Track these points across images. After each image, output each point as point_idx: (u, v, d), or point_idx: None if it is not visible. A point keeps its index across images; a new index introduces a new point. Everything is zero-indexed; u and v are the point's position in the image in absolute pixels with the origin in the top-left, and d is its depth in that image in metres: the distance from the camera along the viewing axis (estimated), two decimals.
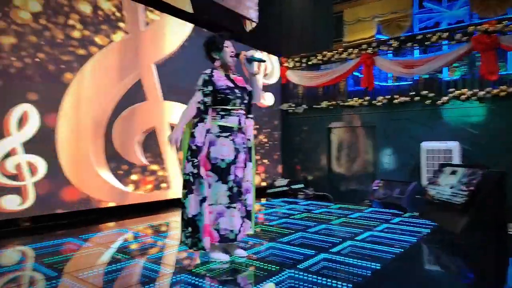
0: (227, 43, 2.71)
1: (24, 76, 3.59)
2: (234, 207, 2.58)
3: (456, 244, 3.30)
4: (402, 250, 2.91)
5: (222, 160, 2.58)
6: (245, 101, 2.75)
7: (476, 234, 3.37)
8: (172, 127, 5.00)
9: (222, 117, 2.63)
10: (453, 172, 4.07)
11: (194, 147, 2.53)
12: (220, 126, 2.61)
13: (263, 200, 5.79)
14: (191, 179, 2.52)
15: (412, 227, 3.74)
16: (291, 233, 3.48)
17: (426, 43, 5.92)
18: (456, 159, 5.00)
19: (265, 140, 6.86)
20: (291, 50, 7.55)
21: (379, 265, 2.53)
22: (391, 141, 5.98)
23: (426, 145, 5.34)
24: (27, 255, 2.80)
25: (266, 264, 2.55)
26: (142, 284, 2.22)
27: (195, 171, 2.52)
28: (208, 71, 2.66)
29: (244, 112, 2.75)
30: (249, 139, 2.79)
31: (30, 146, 3.61)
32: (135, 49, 4.61)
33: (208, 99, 2.59)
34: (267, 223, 3.98)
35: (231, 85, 2.68)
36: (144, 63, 4.70)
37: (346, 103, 6.48)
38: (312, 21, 8.11)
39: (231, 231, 2.56)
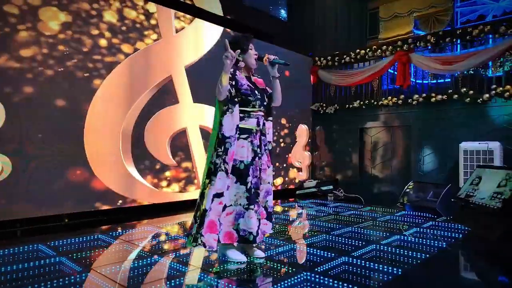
0: (251, 45, 2.71)
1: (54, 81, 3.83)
2: (252, 209, 2.58)
3: (489, 252, 3.09)
4: (428, 255, 2.78)
5: (241, 161, 2.59)
6: (265, 103, 2.74)
7: None
8: (202, 129, 5.11)
9: (242, 119, 2.62)
10: (492, 174, 3.83)
11: (220, 136, 2.52)
12: (239, 128, 2.61)
13: (292, 201, 5.76)
14: (213, 169, 2.52)
15: (443, 232, 3.56)
16: (315, 235, 3.44)
17: (467, 37, 5.61)
18: (498, 160, 4.69)
19: (295, 140, 6.80)
20: (323, 48, 7.45)
21: (400, 270, 2.44)
22: (427, 142, 5.73)
23: (465, 145, 5.05)
24: (58, 250, 2.98)
25: (284, 266, 2.54)
26: (157, 281, 2.30)
27: (218, 161, 2.50)
28: (231, 69, 2.64)
29: (263, 114, 2.74)
30: (270, 141, 2.79)
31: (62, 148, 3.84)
32: (167, 53, 4.76)
33: (232, 90, 2.55)
34: (292, 225, 3.96)
35: (252, 86, 2.69)
36: (176, 67, 4.84)
37: (380, 102, 6.28)
38: (345, 18, 7.94)
39: (250, 233, 2.56)
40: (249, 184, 2.58)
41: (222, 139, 2.51)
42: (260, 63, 2.78)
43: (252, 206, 2.58)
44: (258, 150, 2.67)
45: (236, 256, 2.63)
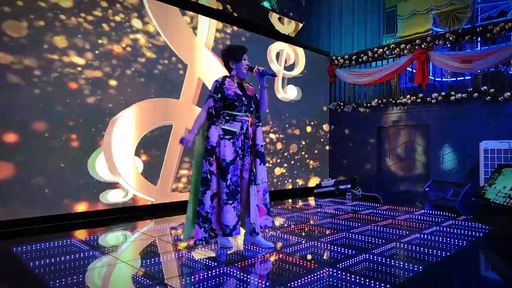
0: (245, 56, 2.95)
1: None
2: (230, 204, 2.81)
3: (509, 251, 3.10)
4: (448, 254, 2.81)
5: (224, 160, 2.82)
6: (252, 109, 2.96)
7: None
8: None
9: (227, 121, 2.88)
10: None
11: (209, 147, 2.81)
12: (224, 129, 2.85)
13: (310, 200, 5.82)
14: (209, 177, 2.80)
15: (464, 231, 3.57)
16: (334, 233, 3.50)
17: (487, 35, 5.55)
18: None
19: (313, 139, 6.86)
20: (340, 47, 7.48)
21: (421, 267, 2.49)
22: (446, 141, 5.70)
23: (485, 144, 5.02)
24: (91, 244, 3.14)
25: (304, 261, 2.62)
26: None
27: (212, 168, 2.81)
28: (220, 78, 2.92)
29: (250, 119, 2.98)
30: (261, 145, 3.00)
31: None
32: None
33: (218, 105, 2.84)
34: (310, 223, 4.03)
35: (240, 93, 2.90)
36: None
37: (398, 101, 6.27)
38: (362, 17, 7.94)
39: (227, 226, 2.81)
40: (228, 181, 2.82)
41: (211, 150, 2.81)
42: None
43: (230, 202, 2.82)
44: (240, 151, 2.91)
45: (224, 242, 2.94)
